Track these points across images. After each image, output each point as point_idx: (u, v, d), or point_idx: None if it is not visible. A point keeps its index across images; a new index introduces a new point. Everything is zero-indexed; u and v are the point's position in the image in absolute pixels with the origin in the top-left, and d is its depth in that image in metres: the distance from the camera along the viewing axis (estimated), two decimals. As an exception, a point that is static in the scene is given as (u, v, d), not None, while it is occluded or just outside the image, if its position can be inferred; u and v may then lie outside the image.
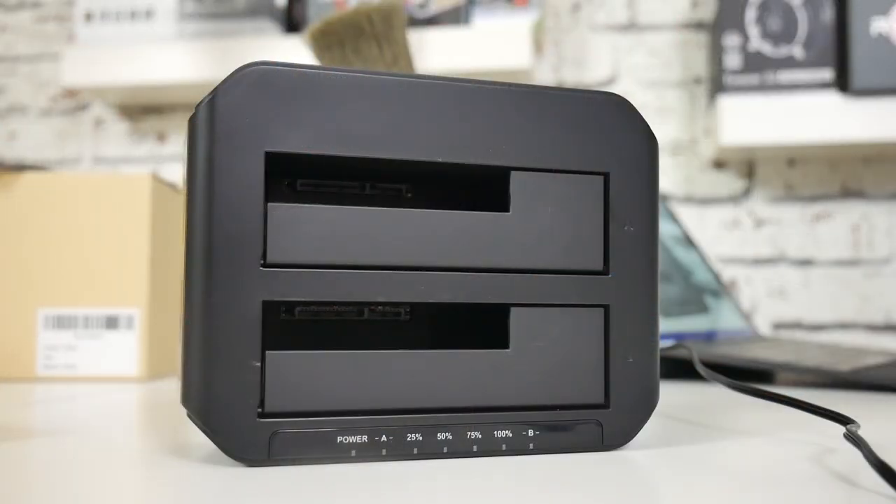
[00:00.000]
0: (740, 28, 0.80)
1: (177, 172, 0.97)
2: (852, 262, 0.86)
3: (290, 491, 0.23)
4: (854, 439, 0.26)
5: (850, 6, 0.77)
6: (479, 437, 0.27)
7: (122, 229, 0.56)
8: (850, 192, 0.87)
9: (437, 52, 0.82)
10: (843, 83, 0.79)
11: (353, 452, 0.26)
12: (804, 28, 0.79)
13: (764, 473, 0.25)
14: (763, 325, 0.87)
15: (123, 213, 0.56)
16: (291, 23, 0.90)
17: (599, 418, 0.29)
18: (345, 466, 0.26)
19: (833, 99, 0.77)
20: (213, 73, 0.86)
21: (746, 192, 0.89)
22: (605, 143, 0.29)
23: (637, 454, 0.28)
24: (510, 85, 0.28)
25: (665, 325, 0.60)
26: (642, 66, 0.91)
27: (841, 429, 0.32)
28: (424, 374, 0.27)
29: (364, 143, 0.27)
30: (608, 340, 0.29)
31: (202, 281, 0.25)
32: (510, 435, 0.28)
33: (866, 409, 0.41)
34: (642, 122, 0.30)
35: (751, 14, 0.80)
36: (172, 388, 0.51)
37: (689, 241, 0.72)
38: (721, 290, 0.71)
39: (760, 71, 0.79)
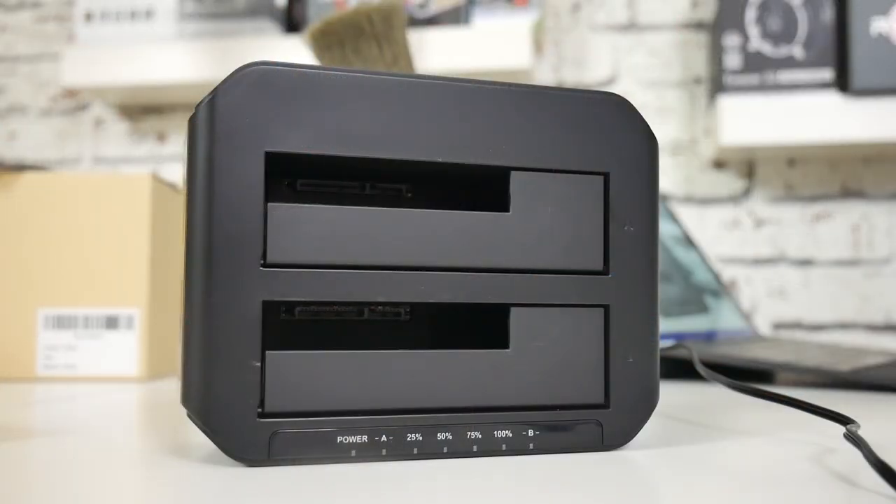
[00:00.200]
0: (740, 28, 0.80)
1: (177, 172, 0.97)
2: (852, 262, 0.86)
3: (290, 491, 0.23)
4: (854, 439, 0.26)
5: (850, 6, 0.77)
6: (479, 437, 0.27)
7: (122, 229, 0.56)
8: (850, 192, 0.87)
9: (437, 52, 0.82)
10: (843, 83, 0.79)
11: (353, 452, 0.26)
12: (804, 28, 0.79)
13: (764, 473, 0.25)
14: (763, 325, 0.87)
15: (123, 213, 0.56)
16: (291, 23, 0.90)
17: (599, 418, 0.29)
18: (345, 466, 0.26)
19: (833, 99, 0.77)
20: (213, 73, 0.86)
21: (746, 192, 0.89)
22: (605, 143, 0.29)
23: (637, 454, 0.28)
24: (510, 85, 0.28)
25: (665, 325, 0.60)
26: (642, 66, 0.91)
27: (841, 429, 0.32)
28: (424, 374, 0.27)
29: (364, 143, 0.27)
30: (608, 340, 0.29)
31: (202, 281, 0.25)
32: (510, 435, 0.28)
33: (866, 409, 0.41)
34: (642, 122, 0.30)
35: (751, 14, 0.80)
36: (172, 388, 0.51)
37: (689, 241, 0.72)
38: (721, 290, 0.71)
39: (760, 71, 0.79)
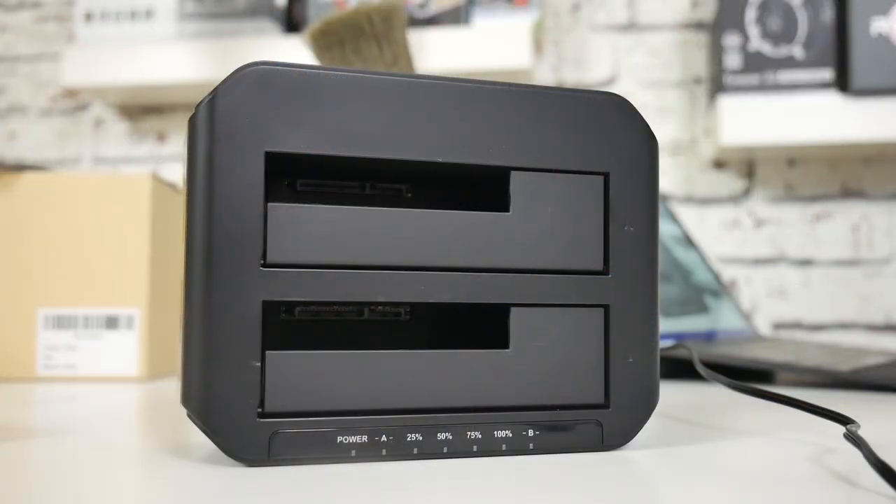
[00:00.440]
0: (740, 28, 0.80)
1: (177, 172, 0.97)
2: (852, 262, 0.86)
3: (290, 491, 0.23)
4: (854, 439, 0.26)
5: (850, 6, 0.77)
6: (479, 437, 0.27)
7: (122, 229, 0.56)
8: (850, 192, 0.87)
9: (437, 52, 0.82)
10: (843, 83, 0.79)
11: (353, 452, 0.26)
12: (804, 28, 0.79)
13: (764, 473, 0.25)
14: (763, 325, 0.87)
15: (123, 213, 0.56)
16: (291, 23, 0.90)
17: (599, 418, 0.29)
18: (345, 466, 0.26)
19: (833, 99, 0.77)
20: (213, 73, 0.86)
21: (746, 192, 0.89)
22: (605, 143, 0.29)
23: (637, 454, 0.28)
24: (510, 85, 0.28)
25: (665, 325, 0.60)
26: (642, 66, 0.91)
27: (841, 429, 0.32)
28: (424, 374, 0.27)
29: (364, 143, 0.27)
30: (608, 340, 0.29)
31: (202, 281, 0.25)
32: (510, 435, 0.28)
33: (866, 409, 0.41)
34: (642, 122, 0.30)
35: (751, 14, 0.80)
36: (172, 388, 0.51)
37: (689, 241, 0.72)
38: (721, 290, 0.71)
39: (760, 71, 0.79)
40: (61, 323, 0.55)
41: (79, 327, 0.55)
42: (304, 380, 0.26)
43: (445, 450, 0.27)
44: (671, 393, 0.48)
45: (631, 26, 0.92)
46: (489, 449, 0.28)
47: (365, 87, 0.27)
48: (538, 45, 0.89)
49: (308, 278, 0.26)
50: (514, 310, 0.28)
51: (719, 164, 0.89)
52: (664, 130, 0.91)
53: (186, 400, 0.25)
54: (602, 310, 0.29)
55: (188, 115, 0.98)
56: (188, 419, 0.31)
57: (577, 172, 0.29)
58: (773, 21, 0.79)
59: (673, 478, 0.25)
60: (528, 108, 0.28)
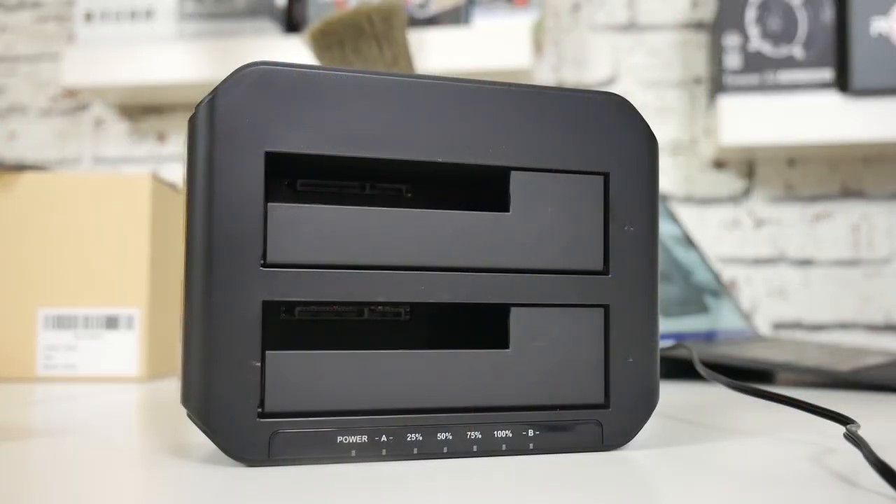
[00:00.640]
0: (740, 28, 0.80)
1: (177, 172, 0.97)
2: (852, 262, 0.86)
3: (290, 491, 0.23)
4: (854, 439, 0.26)
5: (850, 6, 0.77)
6: (479, 437, 0.27)
7: (122, 229, 0.56)
8: (850, 192, 0.87)
9: (437, 52, 0.82)
10: (843, 83, 0.79)
11: (353, 452, 0.26)
12: (804, 28, 0.79)
13: (764, 473, 0.25)
14: (763, 325, 0.87)
15: (123, 213, 0.56)
16: (291, 23, 0.90)
17: (599, 418, 0.29)
18: (345, 466, 0.26)
19: (833, 99, 0.77)
20: (213, 73, 0.86)
21: (746, 192, 0.89)
22: (605, 143, 0.29)
23: (637, 454, 0.28)
24: (510, 85, 0.28)
25: (665, 325, 0.60)
26: (642, 66, 0.91)
27: (841, 429, 0.32)
28: (424, 374, 0.27)
29: (364, 143, 0.27)
30: (608, 340, 0.29)
31: (202, 281, 0.25)
32: (510, 435, 0.28)
33: (866, 409, 0.41)
34: (642, 122, 0.30)
35: (751, 14, 0.80)
36: (172, 388, 0.51)
37: (689, 241, 0.72)
38: (721, 290, 0.71)
39: (760, 71, 0.79)
40: (61, 323, 0.55)
41: (79, 327, 0.55)
42: (304, 380, 0.26)
43: (445, 450, 0.27)
44: (671, 393, 0.48)
45: (631, 26, 0.92)
46: (489, 449, 0.28)
47: (365, 87, 0.27)
48: (538, 45, 0.89)
49: (308, 278, 0.26)
50: (514, 310, 0.28)
51: (719, 164, 0.89)
52: (664, 130, 0.91)
53: (186, 400, 0.25)
54: (602, 310, 0.29)
55: (188, 115, 0.98)
56: (188, 419, 0.31)
57: (577, 172, 0.29)
58: (773, 21, 0.79)
59: (673, 478, 0.25)
60: (528, 108, 0.28)
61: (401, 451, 0.27)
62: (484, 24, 0.83)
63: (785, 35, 0.79)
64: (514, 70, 0.82)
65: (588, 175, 0.29)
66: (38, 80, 1.02)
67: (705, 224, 0.89)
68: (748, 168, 0.89)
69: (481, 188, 0.30)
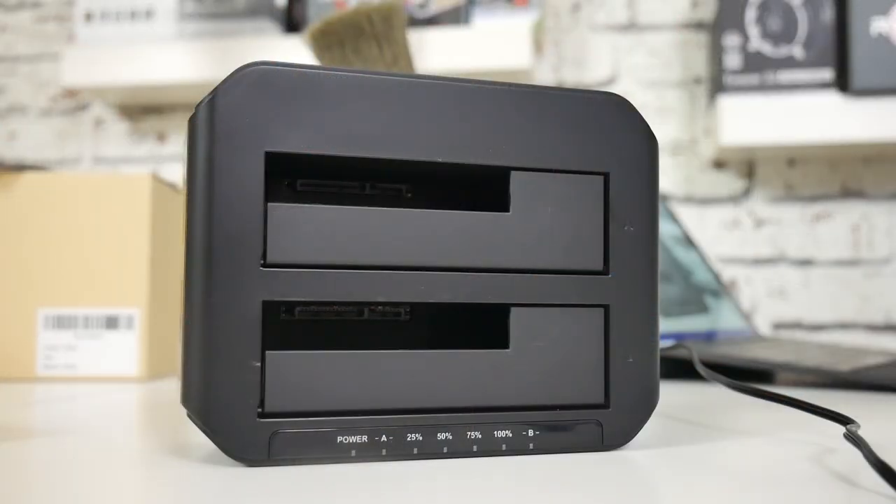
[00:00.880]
0: (740, 28, 0.80)
1: (177, 172, 0.97)
2: (852, 262, 0.86)
3: (290, 491, 0.23)
4: (854, 439, 0.26)
5: (850, 6, 0.77)
6: (479, 437, 0.27)
7: (122, 229, 0.56)
8: (850, 192, 0.87)
9: (437, 52, 0.82)
10: (843, 83, 0.79)
11: (353, 452, 0.26)
12: (804, 28, 0.79)
13: (764, 473, 0.25)
14: (763, 325, 0.87)
15: (123, 213, 0.56)
16: (291, 23, 0.90)
17: (599, 418, 0.29)
18: (345, 466, 0.26)
19: (833, 99, 0.77)
20: (213, 73, 0.86)
21: (746, 192, 0.89)
22: (605, 143, 0.29)
23: (637, 454, 0.28)
24: (510, 85, 0.28)
25: (665, 325, 0.60)
26: (642, 66, 0.91)
27: (841, 429, 0.32)
28: (424, 374, 0.27)
29: (364, 143, 0.27)
30: (608, 340, 0.29)
31: (202, 281, 0.25)
32: (510, 435, 0.28)
33: (866, 409, 0.41)
34: (642, 122, 0.30)
35: (751, 14, 0.80)
36: (172, 388, 0.51)
37: (689, 241, 0.72)
38: (721, 290, 0.71)
39: (760, 71, 0.79)
40: (61, 323, 0.55)
41: (79, 327, 0.55)
42: (304, 380, 0.26)
43: (445, 450, 0.27)
44: (671, 393, 0.48)
45: (631, 26, 0.92)
46: (489, 449, 0.28)
47: (365, 87, 0.27)
48: (538, 45, 0.89)
49: (308, 278, 0.26)
50: (514, 310, 0.28)
51: (719, 164, 0.89)
52: (664, 130, 0.91)
53: (186, 400, 0.25)
54: (602, 310, 0.29)
55: (188, 115, 0.98)
56: (188, 419, 0.31)
57: (577, 172, 0.29)
58: (773, 21, 0.79)
59: (673, 478, 0.25)
60: (528, 108, 0.28)
61: (401, 451, 0.27)
62: (484, 24, 0.83)
63: (785, 35, 0.79)
64: (514, 70, 0.82)
65: (588, 175, 0.29)
66: (38, 80, 1.02)
67: (705, 224, 0.89)
68: (748, 168, 0.89)
69: (481, 188, 0.30)
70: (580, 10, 0.93)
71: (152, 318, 0.56)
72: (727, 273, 0.88)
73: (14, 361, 0.55)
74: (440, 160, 0.28)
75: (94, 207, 0.56)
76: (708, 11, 0.90)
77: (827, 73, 0.78)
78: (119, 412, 0.39)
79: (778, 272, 0.87)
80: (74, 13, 0.94)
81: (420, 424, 0.27)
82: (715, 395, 0.47)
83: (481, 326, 0.30)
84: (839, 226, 0.87)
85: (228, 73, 0.26)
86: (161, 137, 0.99)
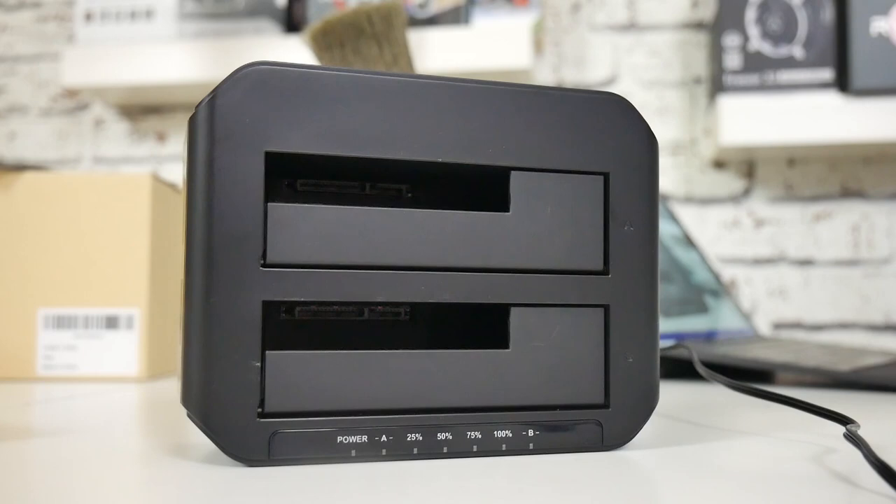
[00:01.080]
0: (740, 28, 0.80)
1: (177, 172, 0.97)
2: (852, 262, 0.86)
3: (290, 491, 0.23)
4: (854, 439, 0.26)
5: (850, 6, 0.77)
6: (479, 437, 0.27)
7: (122, 229, 0.56)
8: (850, 192, 0.87)
9: (437, 52, 0.82)
10: (843, 83, 0.79)
11: (353, 452, 0.26)
12: (804, 28, 0.79)
13: (764, 473, 0.25)
14: (763, 325, 0.87)
15: (123, 213, 0.56)
16: (291, 23, 0.90)
17: (599, 418, 0.29)
18: (345, 466, 0.26)
19: (833, 99, 0.77)
20: (213, 73, 0.86)
21: (746, 192, 0.89)
22: (605, 143, 0.29)
23: (637, 454, 0.28)
24: (510, 85, 0.28)
25: (665, 325, 0.60)
26: (642, 66, 0.91)
27: (841, 429, 0.32)
28: (424, 374, 0.27)
29: (364, 143, 0.27)
30: (608, 340, 0.29)
31: (202, 281, 0.25)
32: (510, 435, 0.28)
33: (866, 409, 0.41)
34: (642, 122, 0.30)
35: (751, 14, 0.80)
36: (172, 388, 0.51)
37: (689, 241, 0.72)
38: (721, 290, 0.71)
39: (760, 71, 0.79)
40: (61, 323, 0.55)
41: (79, 327, 0.55)
42: (304, 380, 0.26)
43: (445, 450, 0.27)
44: (671, 393, 0.48)
45: (631, 26, 0.92)
46: (489, 449, 0.28)
47: (365, 87, 0.27)
48: (538, 45, 0.89)
49: (308, 278, 0.26)
50: (514, 310, 0.28)
51: (719, 164, 0.89)
52: (664, 130, 0.91)
53: (186, 400, 0.25)
54: (602, 310, 0.29)
55: (188, 115, 0.98)
56: (188, 419, 0.31)
57: (577, 172, 0.29)
58: (773, 21, 0.79)
59: (673, 478, 0.25)
60: (528, 108, 0.28)
61: (401, 451, 0.27)
62: (484, 24, 0.83)
63: (785, 35, 0.79)
64: (514, 70, 0.82)
65: (588, 175, 0.29)
66: (38, 80, 1.02)
67: (705, 224, 0.89)
68: (748, 168, 0.89)
69: (481, 188, 0.30)
70: (580, 10, 0.93)
71: (152, 318, 0.56)
72: (727, 273, 0.88)
73: (14, 361, 0.55)
74: (440, 160, 0.28)
75: (94, 207, 0.56)
76: (708, 11, 0.90)
77: (827, 73, 0.78)
78: (119, 412, 0.39)
79: (778, 272, 0.87)
80: (74, 13, 0.94)
81: (420, 424, 0.27)
82: (715, 395, 0.47)
83: (481, 326, 0.30)
84: (839, 226, 0.87)
85: (228, 73, 0.26)
86: (161, 137, 0.99)
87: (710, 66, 0.87)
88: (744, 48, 0.79)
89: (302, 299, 0.26)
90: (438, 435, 0.27)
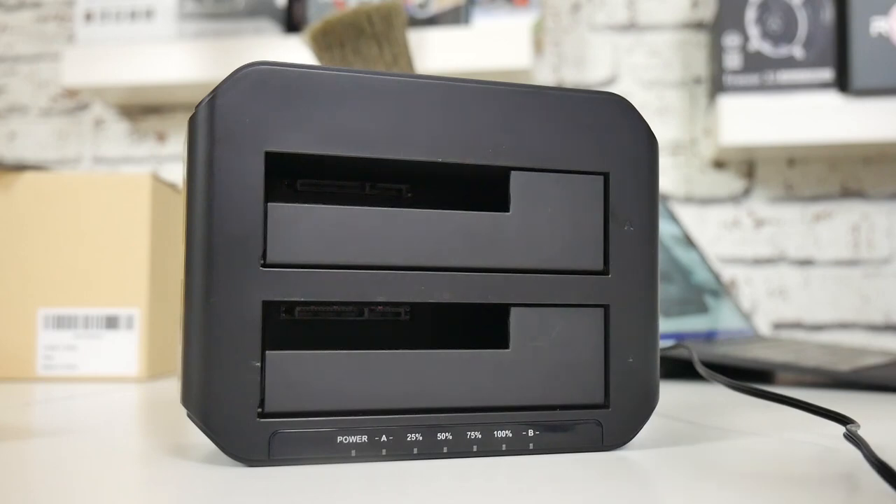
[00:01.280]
0: (740, 28, 0.80)
1: (177, 172, 0.97)
2: (852, 262, 0.86)
3: (290, 491, 0.23)
4: (854, 439, 0.26)
5: (850, 6, 0.77)
6: (479, 437, 0.27)
7: (122, 229, 0.56)
8: (850, 192, 0.87)
9: (437, 52, 0.82)
10: (843, 83, 0.79)
11: (353, 452, 0.26)
12: (804, 28, 0.79)
13: (764, 473, 0.25)
14: (763, 325, 0.87)
15: (123, 213, 0.56)
16: (291, 23, 0.90)
17: (599, 418, 0.29)
18: (345, 466, 0.26)
19: (833, 99, 0.77)
20: (213, 73, 0.86)
21: (746, 192, 0.89)
22: (605, 143, 0.29)
23: (637, 454, 0.28)
24: (510, 85, 0.28)
25: (665, 325, 0.60)
26: (642, 66, 0.91)
27: (841, 429, 0.32)
28: (424, 374, 0.27)
29: (364, 143, 0.27)
30: (608, 340, 0.29)
31: (202, 281, 0.25)
32: (510, 435, 0.28)
33: (866, 409, 0.41)
34: (642, 122, 0.30)
35: (751, 14, 0.80)
36: (172, 388, 0.51)
37: (689, 241, 0.72)
38: (721, 290, 0.71)
39: (760, 71, 0.79)
40: (61, 323, 0.55)
41: (79, 327, 0.55)
42: (304, 380, 0.26)
43: (445, 450, 0.27)
44: (671, 393, 0.48)
45: (631, 26, 0.92)
46: (489, 449, 0.28)
47: (365, 87, 0.27)
48: (538, 45, 0.89)
49: (308, 278, 0.26)
50: (514, 310, 0.28)
51: (719, 164, 0.89)
52: (664, 130, 0.91)
53: (186, 400, 0.25)
54: (602, 310, 0.29)
55: (188, 115, 0.98)
56: (188, 419, 0.31)
57: (577, 172, 0.29)
58: (773, 21, 0.79)
59: (673, 478, 0.25)
60: (528, 108, 0.28)
61: (401, 451, 0.27)
62: (484, 24, 0.83)
63: (785, 35, 0.79)
64: (514, 70, 0.82)
65: (588, 175, 0.29)
66: (38, 80, 1.02)
67: (705, 224, 0.89)
68: (748, 168, 0.89)
69: (481, 188, 0.30)
70: (580, 10, 0.93)
71: (152, 318, 0.56)
72: (727, 273, 0.88)
73: (14, 361, 0.55)
74: (440, 160, 0.28)
75: (94, 207, 0.56)
76: (708, 11, 0.90)
77: (827, 73, 0.78)
78: (119, 412, 0.39)
79: (778, 272, 0.87)
80: (74, 13, 0.94)
81: (420, 424, 0.27)
82: (715, 395, 0.47)
83: (481, 326, 0.30)
84: (839, 226, 0.87)
85: (228, 73, 0.26)
86: (161, 137, 0.99)
87: (710, 66, 0.87)
88: (744, 48, 0.79)
89: (302, 299, 0.26)
90: (438, 435, 0.27)
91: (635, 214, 0.29)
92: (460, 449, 0.27)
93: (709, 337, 0.64)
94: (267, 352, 0.26)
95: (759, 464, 0.27)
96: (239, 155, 0.26)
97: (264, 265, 0.26)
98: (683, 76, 0.91)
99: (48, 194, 0.56)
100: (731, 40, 0.80)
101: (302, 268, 0.26)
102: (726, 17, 0.80)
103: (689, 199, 0.90)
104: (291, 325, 0.30)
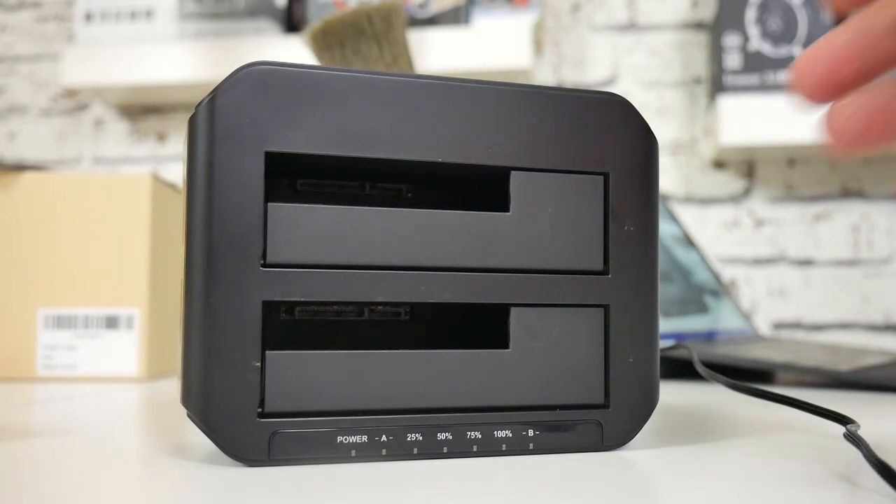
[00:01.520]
0: (740, 28, 0.80)
1: (177, 172, 0.97)
2: (852, 262, 0.86)
3: (290, 491, 0.23)
4: (854, 439, 0.26)
5: (850, 6, 0.77)
6: (479, 437, 0.27)
7: (122, 229, 0.56)
8: (850, 192, 0.87)
9: (437, 52, 0.82)
10: (843, 83, 0.79)
11: (353, 452, 0.26)
12: (804, 28, 0.79)
13: (764, 473, 0.25)
14: (763, 325, 0.87)
15: (123, 213, 0.56)
16: (291, 23, 0.90)
17: (599, 418, 0.29)
18: (345, 466, 0.26)
19: (833, 99, 0.77)
20: (213, 73, 0.86)
21: (746, 192, 0.89)
22: (605, 143, 0.29)
23: (637, 454, 0.28)
24: (510, 85, 0.28)
25: (665, 325, 0.60)
26: (642, 66, 0.91)
27: (841, 429, 0.32)
28: (424, 374, 0.27)
29: (364, 143, 0.27)
30: (608, 340, 0.29)
31: (202, 281, 0.25)
32: (510, 435, 0.28)
33: (866, 409, 0.41)
34: (642, 122, 0.30)
35: (751, 14, 0.80)
36: (172, 388, 0.51)
37: (689, 241, 0.72)
38: (721, 290, 0.71)
39: (760, 71, 0.79)
40: (61, 323, 0.55)
41: (79, 327, 0.55)
42: (304, 380, 0.26)
43: (445, 450, 0.27)
44: (671, 393, 0.48)
45: (631, 26, 0.92)
46: (489, 449, 0.28)
47: (365, 87, 0.27)
48: (538, 45, 0.89)
49: (308, 278, 0.26)
50: (514, 310, 0.28)
51: (719, 164, 0.89)
52: (664, 130, 0.91)
53: (186, 400, 0.25)
54: (602, 310, 0.29)
55: (188, 115, 0.98)
56: (188, 419, 0.31)
57: (577, 172, 0.29)
58: (773, 21, 0.79)
59: (673, 478, 0.25)
60: (528, 108, 0.28)
61: (401, 451, 0.27)
62: (484, 24, 0.83)
63: (785, 35, 0.79)
64: (514, 70, 0.82)
65: (588, 175, 0.29)
66: (38, 80, 1.02)
67: (705, 224, 0.89)
68: (748, 168, 0.89)
69: (481, 188, 0.30)
70: (580, 10, 0.93)
71: (152, 318, 0.56)
72: (727, 273, 0.88)
73: (14, 361, 0.55)
74: (440, 160, 0.28)
75: (94, 207, 0.56)
76: (708, 11, 0.90)
77: (827, 73, 0.78)
78: (119, 412, 0.39)
79: (778, 272, 0.87)
80: (74, 13, 0.94)
81: (420, 424, 0.27)
82: (715, 395, 0.47)
83: (481, 326, 0.30)
84: (839, 226, 0.87)
85: (228, 73, 0.26)
86: (161, 137, 0.99)
87: (710, 66, 0.87)
88: (744, 48, 0.79)
89: (302, 299, 0.26)
90: (438, 435, 0.27)
91: (635, 214, 0.29)
92: (460, 449, 0.27)
93: (709, 337, 0.64)
94: (267, 352, 0.26)
95: (759, 464, 0.27)
96: (239, 155, 0.26)
97: (264, 265, 0.26)
98: (683, 76, 0.91)
99: (48, 194, 0.56)
100: (731, 40, 0.80)
101: (302, 268, 0.26)
102: (726, 17, 0.80)
103: (689, 199, 0.90)
104: (291, 325, 0.30)
